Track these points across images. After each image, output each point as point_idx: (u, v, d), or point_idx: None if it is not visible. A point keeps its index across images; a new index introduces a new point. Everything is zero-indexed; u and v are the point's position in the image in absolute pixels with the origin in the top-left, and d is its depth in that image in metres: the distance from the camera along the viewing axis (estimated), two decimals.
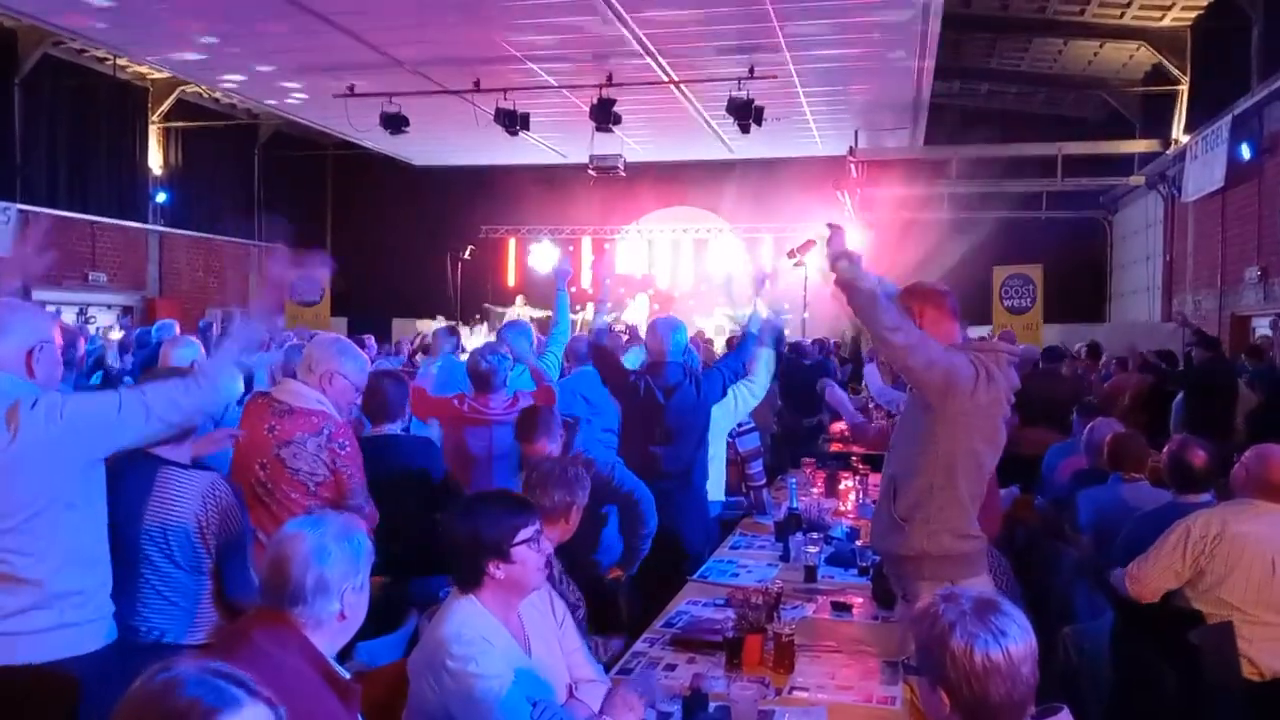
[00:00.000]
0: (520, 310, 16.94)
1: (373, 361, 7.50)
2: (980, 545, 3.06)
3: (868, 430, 5.12)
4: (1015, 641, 1.76)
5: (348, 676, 2.09)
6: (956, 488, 2.97)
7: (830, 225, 3.05)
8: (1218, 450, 4.13)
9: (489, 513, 2.45)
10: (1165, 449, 4.11)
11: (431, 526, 4.07)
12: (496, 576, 2.39)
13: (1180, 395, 8.40)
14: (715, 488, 5.07)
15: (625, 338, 9.01)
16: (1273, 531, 3.52)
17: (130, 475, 2.71)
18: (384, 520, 3.50)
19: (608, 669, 2.98)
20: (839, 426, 9.01)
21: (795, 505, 4.67)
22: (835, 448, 7.82)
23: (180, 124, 17.84)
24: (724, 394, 4.85)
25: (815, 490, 5.62)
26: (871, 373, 6.37)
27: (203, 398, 2.64)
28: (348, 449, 3.46)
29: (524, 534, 2.42)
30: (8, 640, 2.35)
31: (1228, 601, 3.50)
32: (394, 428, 4.07)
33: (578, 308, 19.79)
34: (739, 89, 12.23)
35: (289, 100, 14.83)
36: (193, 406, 2.64)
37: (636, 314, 18.44)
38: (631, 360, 5.38)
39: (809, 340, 13.02)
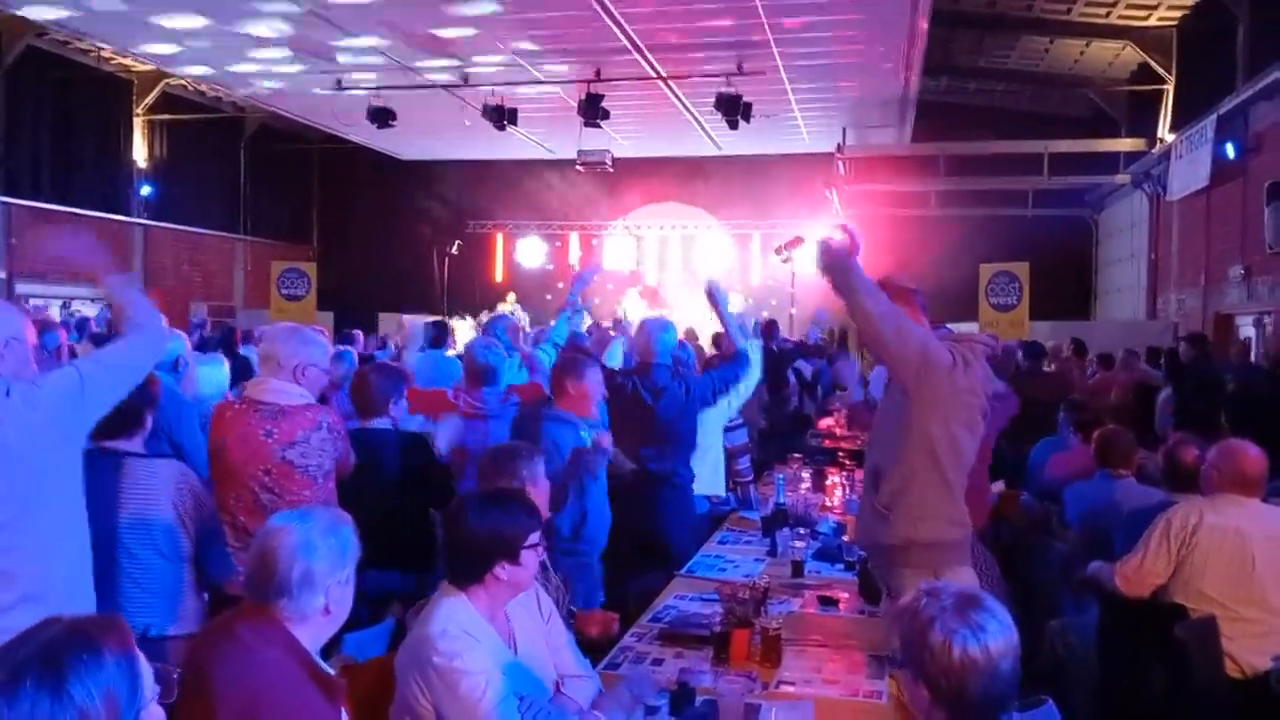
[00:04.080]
0: (511, 308, 16.91)
1: (361, 359, 7.48)
2: (966, 533, 3.07)
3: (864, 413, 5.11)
4: (994, 637, 1.76)
5: (332, 673, 2.08)
6: (940, 471, 2.98)
7: (844, 227, 3.12)
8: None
9: (509, 513, 2.46)
10: (1161, 448, 4.14)
11: (423, 521, 4.08)
12: (500, 577, 2.40)
13: (1166, 393, 8.44)
14: (712, 483, 5.07)
15: (612, 331, 8.98)
16: (1248, 524, 3.56)
17: (95, 471, 2.69)
18: (374, 515, 3.50)
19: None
20: (826, 422, 9.04)
21: (782, 501, 4.68)
22: (823, 443, 7.84)
23: (165, 117, 17.74)
24: (714, 402, 4.83)
25: (803, 486, 5.63)
26: (878, 374, 6.38)
27: (147, 340, 2.66)
28: (342, 430, 3.55)
29: (533, 538, 2.45)
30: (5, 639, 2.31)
31: (1208, 595, 3.53)
32: (384, 422, 4.06)
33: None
34: (727, 85, 12.24)
35: (275, 93, 14.76)
36: (145, 354, 2.66)
37: (630, 310, 18.45)
38: (614, 355, 5.36)
39: (795, 338, 13.03)
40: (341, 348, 6.72)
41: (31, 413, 2.36)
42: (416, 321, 6.20)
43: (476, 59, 12.29)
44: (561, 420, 4.01)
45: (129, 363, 2.60)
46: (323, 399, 3.96)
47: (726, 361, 4.96)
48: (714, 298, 5.05)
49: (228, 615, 2.10)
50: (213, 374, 5.01)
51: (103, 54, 15.25)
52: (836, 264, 3.00)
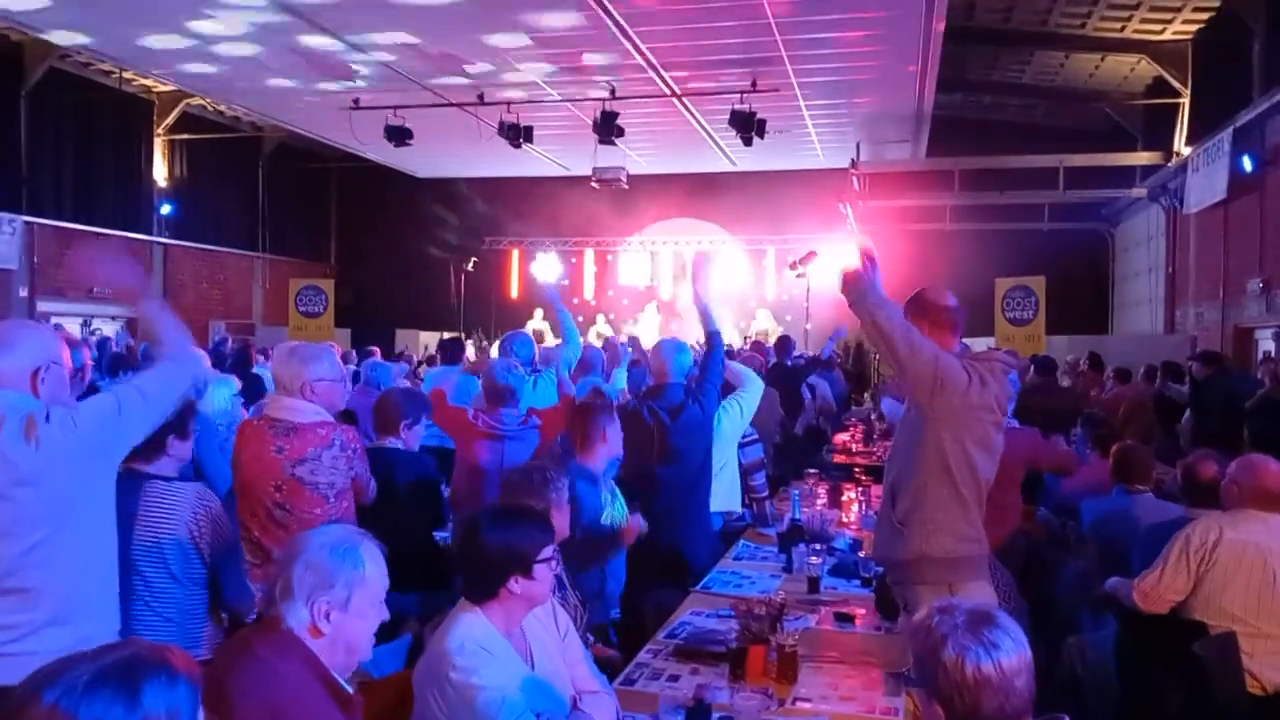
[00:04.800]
0: (539, 325, 16.94)
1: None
2: (981, 550, 3.06)
3: None
4: (1008, 654, 1.76)
5: (350, 690, 2.09)
6: (954, 486, 2.98)
7: (864, 253, 3.10)
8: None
9: (521, 528, 2.47)
10: (1180, 463, 4.13)
11: (431, 540, 4.10)
12: (514, 591, 2.41)
13: (1189, 415, 8.39)
14: (728, 498, 5.07)
15: (630, 349, 8.99)
16: (1269, 540, 3.54)
17: (117, 491, 2.72)
18: (384, 533, 3.52)
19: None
20: (842, 438, 9.03)
21: (798, 516, 4.67)
22: (838, 459, 7.83)
23: (185, 137, 17.93)
24: (718, 401, 4.83)
25: (819, 501, 5.62)
26: (888, 404, 6.37)
27: (179, 369, 2.69)
28: (359, 450, 3.56)
29: (546, 552, 2.46)
30: (31, 661, 2.33)
31: (1229, 612, 3.51)
32: (396, 442, 4.08)
33: (580, 317, 19.92)
34: (741, 102, 12.28)
35: (293, 113, 14.90)
36: (180, 382, 2.69)
37: (646, 326, 18.49)
38: (619, 376, 5.33)
39: (808, 353, 13.02)
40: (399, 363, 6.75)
41: (67, 438, 2.40)
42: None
43: (493, 77, 12.39)
44: (590, 480, 3.96)
45: (162, 391, 2.63)
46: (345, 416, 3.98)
47: (706, 356, 4.91)
48: (698, 278, 5.07)
49: (245, 632, 2.12)
50: (215, 394, 5.01)
51: (124, 75, 15.44)
52: (855, 286, 3.02)
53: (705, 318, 4.96)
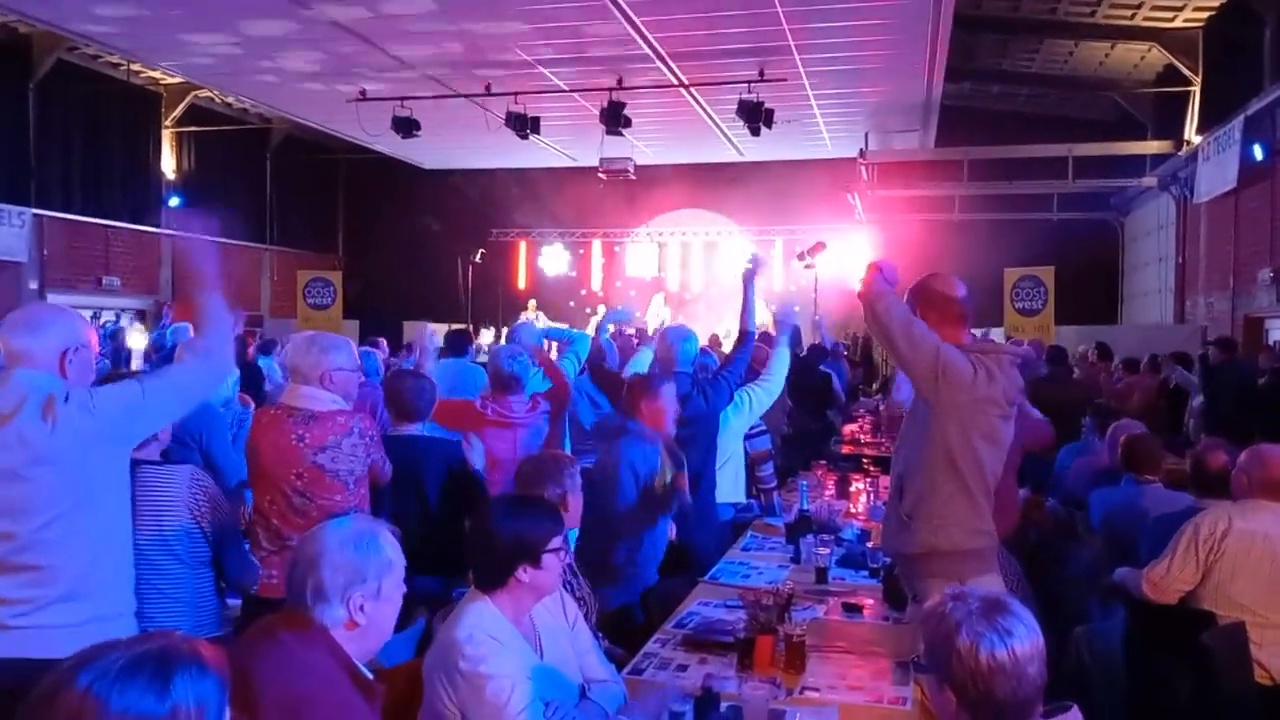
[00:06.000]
0: (534, 315, 16.99)
1: (386, 365, 7.54)
2: (990, 542, 3.05)
3: None
4: (1021, 641, 1.76)
5: (371, 676, 2.10)
6: (960, 480, 2.97)
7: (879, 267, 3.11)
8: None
9: (529, 517, 2.49)
10: (1188, 453, 4.12)
11: (455, 525, 4.11)
12: (522, 580, 2.42)
13: (1199, 400, 8.39)
14: (733, 489, 5.07)
15: (636, 340, 9.02)
16: (1278, 530, 3.52)
17: None
18: (405, 519, 3.55)
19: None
20: (850, 428, 9.02)
21: (806, 507, 4.68)
22: (846, 449, 7.83)
23: (193, 129, 17.94)
24: (731, 399, 4.83)
25: (826, 492, 5.62)
26: (905, 390, 6.35)
27: (212, 369, 2.75)
28: (375, 437, 3.60)
29: (555, 542, 2.47)
30: (41, 634, 2.37)
31: (1238, 601, 3.51)
32: (416, 428, 4.10)
33: (587, 309, 19.96)
34: (749, 92, 12.24)
35: (301, 105, 14.89)
36: (209, 383, 2.76)
37: (655, 316, 18.51)
38: (641, 362, 5.37)
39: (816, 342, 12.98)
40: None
41: (85, 419, 2.44)
42: (425, 329, 6.05)
43: (500, 68, 12.37)
44: (641, 438, 4.04)
45: (190, 385, 2.69)
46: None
47: (735, 350, 4.94)
48: (749, 277, 5.04)
49: (269, 620, 2.12)
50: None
51: (132, 67, 15.45)
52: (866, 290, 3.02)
53: (747, 315, 4.99)
